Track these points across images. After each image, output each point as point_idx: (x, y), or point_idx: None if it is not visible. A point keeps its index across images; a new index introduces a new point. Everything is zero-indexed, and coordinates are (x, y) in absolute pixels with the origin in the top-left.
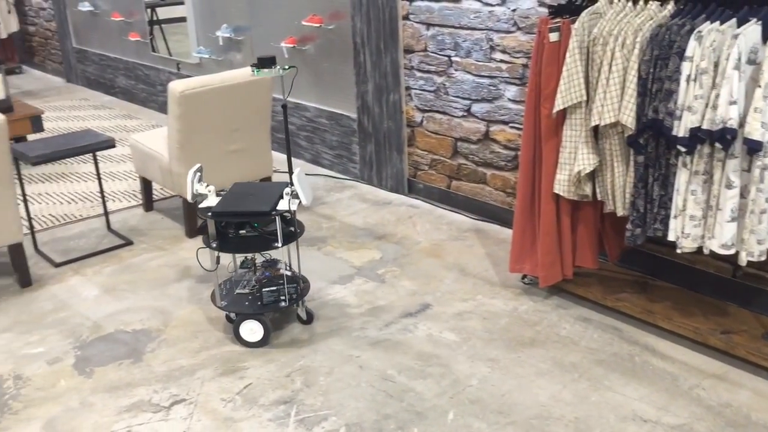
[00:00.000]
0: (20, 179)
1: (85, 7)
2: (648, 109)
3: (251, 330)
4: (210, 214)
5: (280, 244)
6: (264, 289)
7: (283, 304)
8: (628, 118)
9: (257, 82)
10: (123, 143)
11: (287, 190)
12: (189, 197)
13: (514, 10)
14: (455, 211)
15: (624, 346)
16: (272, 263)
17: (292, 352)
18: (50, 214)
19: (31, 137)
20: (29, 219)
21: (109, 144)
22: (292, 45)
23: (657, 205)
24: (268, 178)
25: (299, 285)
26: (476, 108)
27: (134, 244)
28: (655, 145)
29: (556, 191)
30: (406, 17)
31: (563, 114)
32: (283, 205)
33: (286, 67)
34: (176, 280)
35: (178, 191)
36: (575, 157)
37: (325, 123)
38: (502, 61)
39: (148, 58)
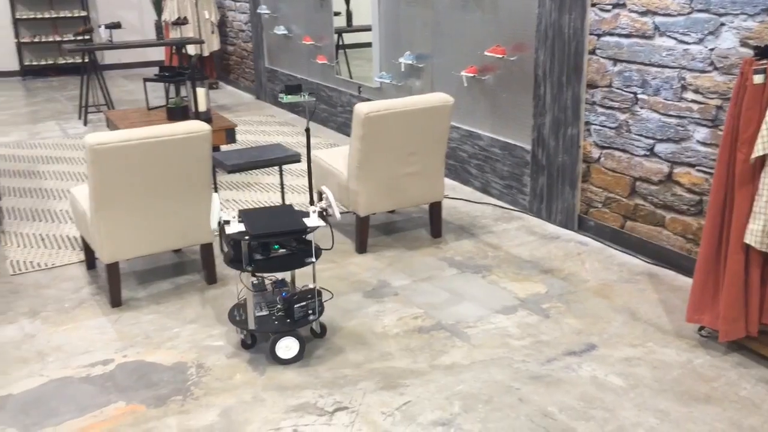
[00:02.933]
0: (215, 185)
1: (280, 30)
2: None
3: (287, 347)
4: (247, 237)
5: (314, 259)
6: (296, 306)
7: (312, 317)
8: None
9: (438, 108)
10: (304, 159)
11: (313, 208)
12: (213, 224)
13: (711, 50)
14: (627, 253)
15: None
16: (281, 283)
17: (452, 376)
18: None
19: (224, 148)
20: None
21: (296, 158)
22: (472, 74)
23: None
24: (438, 204)
25: (322, 299)
26: (660, 148)
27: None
28: None
29: (747, 241)
30: (592, 52)
31: (762, 161)
32: (312, 222)
33: (308, 94)
34: (345, 292)
35: (353, 208)
36: None
37: (497, 153)
38: (693, 101)
39: (332, 81)
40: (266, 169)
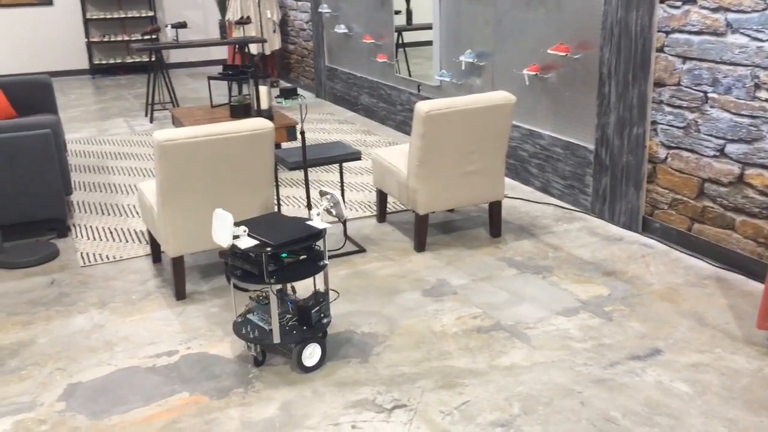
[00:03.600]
0: (276, 182)
1: (341, 29)
2: None
3: (311, 355)
4: (269, 249)
5: (327, 261)
6: (313, 311)
7: (326, 320)
8: None
9: (500, 107)
10: (363, 157)
11: (315, 211)
12: (226, 242)
13: None
14: (694, 256)
15: None
16: (281, 292)
17: (512, 377)
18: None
19: (284, 145)
20: None
21: (356, 156)
22: (534, 72)
23: None
24: (498, 203)
25: (328, 299)
26: (731, 148)
27: (366, 252)
28: None
29: None
30: (660, 49)
31: None
32: (320, 224)
33: (304, 97)
34: (404, 290)
35: (412, 206)
36: None
37: (559, 152)
38: (767, 100)
39: (392, 79)
40: (327, 166)
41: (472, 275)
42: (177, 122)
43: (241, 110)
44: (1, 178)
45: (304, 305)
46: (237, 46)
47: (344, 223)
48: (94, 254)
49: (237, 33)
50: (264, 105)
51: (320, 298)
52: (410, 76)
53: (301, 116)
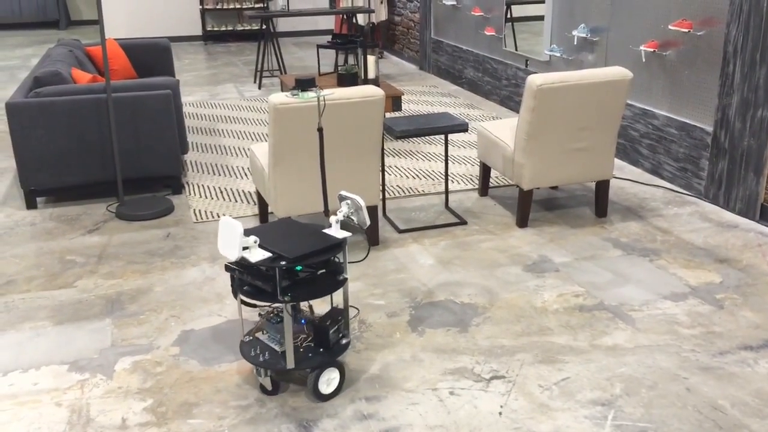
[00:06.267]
0: (382, 150)
1: (449, 1)
2: None
3: (328, 381)
4: (283, 263)
5: (347, 275)
6: (330, 332)
7: (345, 340)
8: None
9: (616, 83)
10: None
11: (334, 218)
12: (234, 255)
13: None
14: None
15: None
16: (296, 309)
17: (614, 358)
18: (398, 186)
19: (389, 116)
20: (383, 187)
21: (463, 127)
22: (652, 49)
23: None
24: (606, 182)
25: (347, 317)
26: None
27: (467, 224)
28: None
29: None
30: None
31: None
32: (338, 233)
33: (321, 88)
34: (504, 264)
35: (517, 181)
36: None
37: (673, 133)
38: None
39: (498, 53)
40: (429, 138)
41: (575, 254)
42: (286, 88)
43: (348, 79)
44: (124, 134)
45: (321, 324)
46: (344, 15)
47: (366, 230)
48: (205, 211)
49: (345, 3)
50: (371, 74)
51: (338, 316)
52: (516, 50)
53: (318, 111)
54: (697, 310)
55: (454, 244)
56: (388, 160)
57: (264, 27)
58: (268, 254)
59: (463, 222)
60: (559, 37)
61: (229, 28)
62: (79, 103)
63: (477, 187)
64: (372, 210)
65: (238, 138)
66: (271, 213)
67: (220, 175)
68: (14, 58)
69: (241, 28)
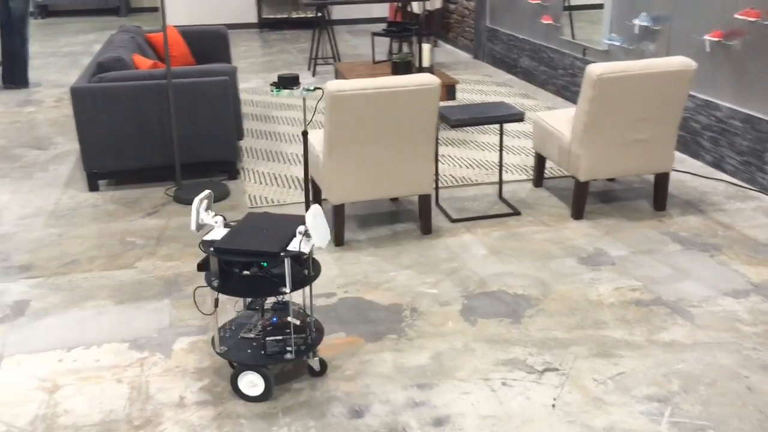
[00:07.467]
0: (436, 139)
1: None
2: None
3: (251, 382)
4: (212, 249)
5: (288, 290)
6: (268, 338)
7: (288, 356)
8: None
9: (679, 73)
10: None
11: (300, 228)
12: (193, 227)
13: None
14: None
15: None
16: (284, 307)
17: (672, 354)
18: (451, 175)
19: (443, 104)
20: (436, 176)
21: (519, 117)
22: (716, 39)
23: None
24: (666, 175)
25: (310, 335)
26: None
27: (521, 215)
28: None
29: None
30: None
31: None
32: (294, 246)
33: (312, 88)
34: (558, 256)
35: (573, 172)
36: None
37: (737, 125)
38: None
39: (555, 42)
40: (483, 127)
41: (632, 247)
42: (340, 76)
43: (402, 67)
44: (182, 119)
45: (267, 329)
46: (399, 3)
47: (305, 252)
48: (260, 197)
49: None
50: (426, 63)
51: (287, 329)
52: (573, 39)
53: (310, 110)
54: (759, 307)
55: (508, 235)
56: (441, 149)
57: (319, 15)
58: (225, 232)
59: (516, 213)
60: (619, 25)
61: (284, 15)
62: (140, 89)
63: (531, 177)
64: (425, 199)
65: (292, 125)
66: (325, 200)
67: (274, 161)
68: (77, 44)
69: (296, 16)
